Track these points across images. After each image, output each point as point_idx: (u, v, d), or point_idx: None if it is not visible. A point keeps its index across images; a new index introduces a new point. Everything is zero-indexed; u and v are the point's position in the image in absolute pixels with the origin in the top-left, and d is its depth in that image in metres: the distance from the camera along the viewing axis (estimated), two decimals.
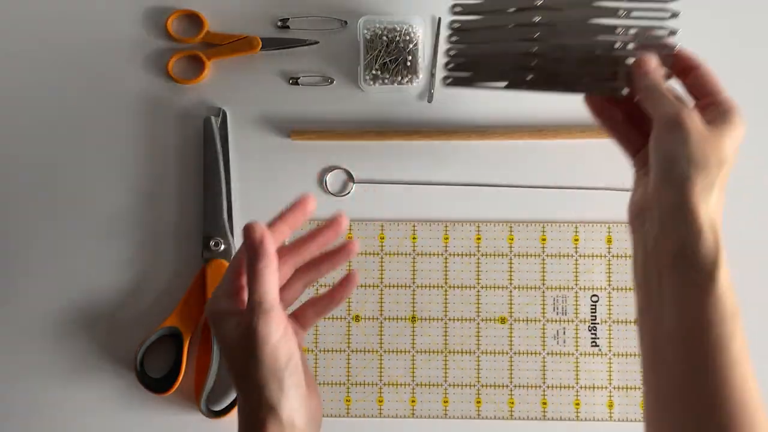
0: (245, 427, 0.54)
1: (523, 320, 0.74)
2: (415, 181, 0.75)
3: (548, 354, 0.74)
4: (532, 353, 0.74)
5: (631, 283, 0.73)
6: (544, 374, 0.73)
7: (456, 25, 0.63)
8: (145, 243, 0.75)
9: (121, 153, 0.75)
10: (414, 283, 0.74)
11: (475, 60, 0.63)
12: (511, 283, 0.74)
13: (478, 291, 0.74)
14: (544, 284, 0.74)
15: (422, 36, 0.74)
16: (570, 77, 0.62)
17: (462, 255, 0.74)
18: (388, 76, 0.74)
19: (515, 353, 0.74)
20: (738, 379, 0.50)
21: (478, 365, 0.74)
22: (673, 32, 0.60)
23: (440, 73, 0.70)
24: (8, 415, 0.74)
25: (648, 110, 0.56)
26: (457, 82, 0.64)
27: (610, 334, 0.73)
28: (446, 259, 0.75)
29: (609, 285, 0.74)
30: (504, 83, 0.63)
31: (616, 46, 0.61)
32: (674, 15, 0.61)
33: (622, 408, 0.73)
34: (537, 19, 0.62)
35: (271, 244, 0.54)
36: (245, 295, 0.56)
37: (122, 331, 0.74)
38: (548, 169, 0.75)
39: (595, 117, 0.62)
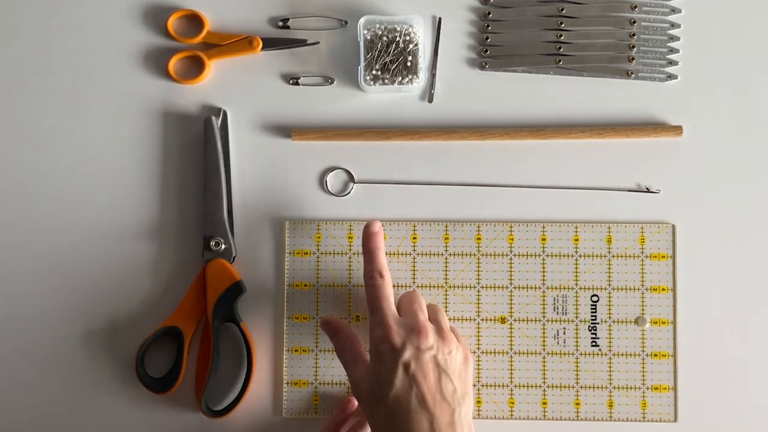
0: None
1: (523, 320, 0.74)
2: (415, 181, 0.75)
3: (548, 354, 0.74)
4: (532, 353, 0.74)
5: (631, 283, 0.73)
6: (544, 374, 0.73)
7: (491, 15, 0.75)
8: (146, 243, 0.74)
9: (121, 153, 0.75)
10: (414, 283, 0.74)
11: (509, 46, 0.75)
12: (511, 283, 0.74)
13: (478, 291, 0.74)
14: (544, 284, 0.74)
15: (422, 36, 0.74)
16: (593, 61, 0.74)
17: (462, 255, 0.74)
18: (388, 76, 0.74)
19: (515, 353, 0.74)
20: None
21: (479, 365, 0.74)
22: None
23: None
24: (7, 414, 0.74)
25: None
26: (493, 67, 0.74)
27: (610, 334, 0.73)
28: (446, 259, 0.75)
29: (609, 285, 0.74)
30: (536, 67, 0.75)
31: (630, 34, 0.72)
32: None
33: (622, 408, 0.73)
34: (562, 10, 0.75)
35: None
36: None
37: (122, 331, 0.74)
38: (548, 169, 0.75)
39: None
